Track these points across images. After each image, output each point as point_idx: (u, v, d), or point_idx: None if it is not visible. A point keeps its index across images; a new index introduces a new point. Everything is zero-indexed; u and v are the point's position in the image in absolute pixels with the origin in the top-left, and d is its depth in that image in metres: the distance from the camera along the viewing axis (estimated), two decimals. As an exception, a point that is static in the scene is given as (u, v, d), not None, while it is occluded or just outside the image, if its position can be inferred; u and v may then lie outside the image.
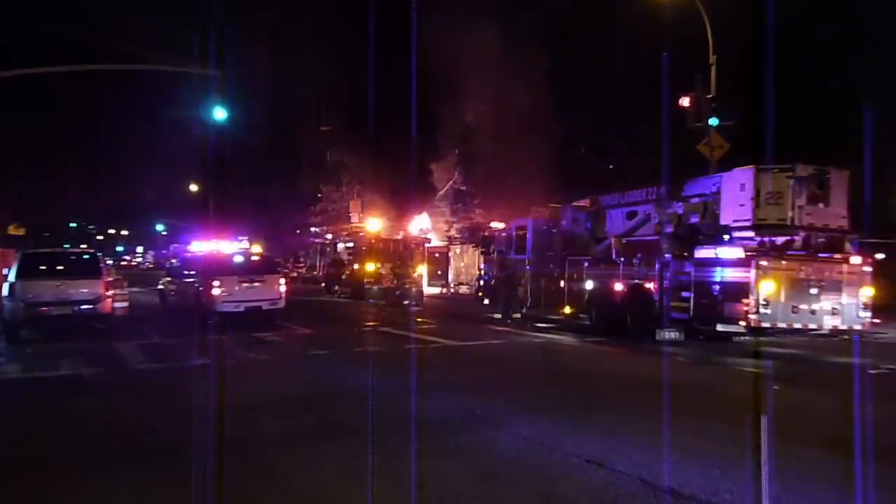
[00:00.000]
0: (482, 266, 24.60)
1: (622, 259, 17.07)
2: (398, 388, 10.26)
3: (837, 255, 14.29)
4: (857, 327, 14.19)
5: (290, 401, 9.55)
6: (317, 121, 50.54)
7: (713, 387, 10.79)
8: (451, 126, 35.73)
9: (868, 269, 14.38)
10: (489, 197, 34.34)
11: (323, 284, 41.41)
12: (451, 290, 37.51)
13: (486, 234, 24.49)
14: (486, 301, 22.74)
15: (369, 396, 9.27)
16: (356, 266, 32.56)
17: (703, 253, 14.85)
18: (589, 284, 17.85)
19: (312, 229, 53.61)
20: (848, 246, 14.49)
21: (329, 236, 49.66)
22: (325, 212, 49.87)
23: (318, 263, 53.25)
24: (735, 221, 14.51)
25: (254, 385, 10.78)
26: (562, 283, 18.77)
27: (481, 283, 23.95)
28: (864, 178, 17.27)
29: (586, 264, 18.17)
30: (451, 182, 37.89)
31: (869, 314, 14.22)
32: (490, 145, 33.58)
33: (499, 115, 32.03)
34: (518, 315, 20.89)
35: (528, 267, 20.42)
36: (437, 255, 40.66)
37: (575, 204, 20.33)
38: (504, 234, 22.31)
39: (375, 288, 29.49)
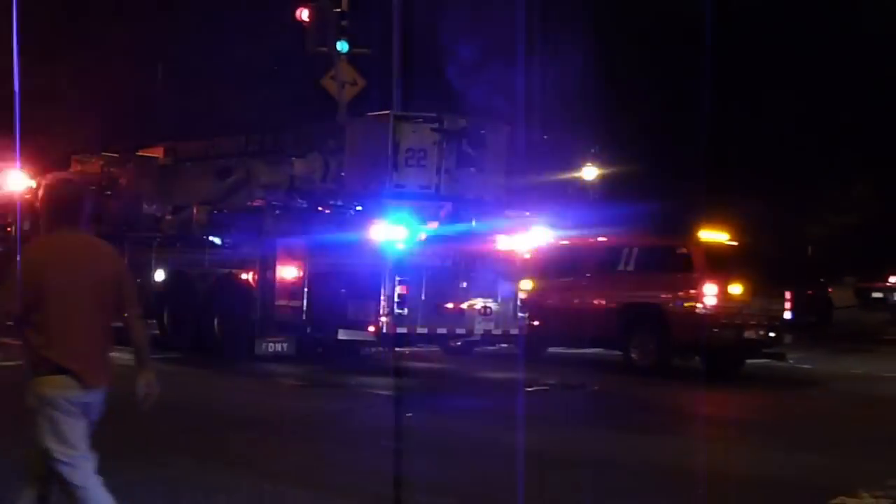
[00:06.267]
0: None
1: (209, 238, 17.08)
2: None
3: (492, 237, 15.80)
4: (514, 332, 15.89)
5: None
6: None
7: (332, 421, 11.24)
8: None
9: (526, 255, 16.13)
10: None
11: None
12: None
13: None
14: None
15: None
16: None
17: (321, 230, 15.42)
18: (159, 275, 17.56)
19: None
20: (506, 224, 16.01)
21: None
22: None
23: None
24: (365, 187, 15.27)
25: None
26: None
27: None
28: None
29: (155, 245, 17.85)
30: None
31: (526, 315, 15.98)
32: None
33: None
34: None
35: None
36: None
37: (141, 153, 19.73)
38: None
39: None
